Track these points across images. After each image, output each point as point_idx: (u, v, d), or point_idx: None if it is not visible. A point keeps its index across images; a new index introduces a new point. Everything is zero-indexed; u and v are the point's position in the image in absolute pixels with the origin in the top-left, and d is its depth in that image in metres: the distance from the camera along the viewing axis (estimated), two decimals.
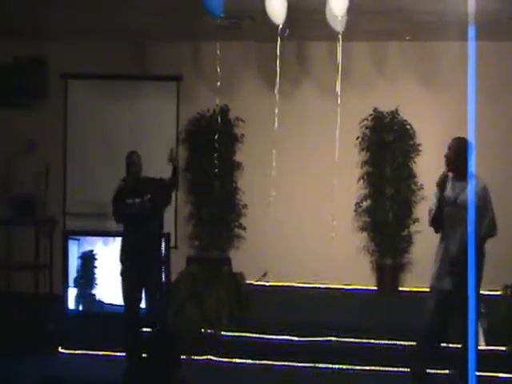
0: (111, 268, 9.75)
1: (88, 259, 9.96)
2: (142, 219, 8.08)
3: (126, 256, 8.29)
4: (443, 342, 7.10)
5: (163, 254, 8.65)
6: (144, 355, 8.03)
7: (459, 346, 7.06)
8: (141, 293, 8.27)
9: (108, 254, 9.82)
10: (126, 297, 8.29)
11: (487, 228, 6.79)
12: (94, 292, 9.93)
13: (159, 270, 8.43)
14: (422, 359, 7.10)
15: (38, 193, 10.95)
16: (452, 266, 6.79)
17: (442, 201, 6.85)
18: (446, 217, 6.86)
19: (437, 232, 7.03)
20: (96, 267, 9.94)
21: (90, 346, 9.22)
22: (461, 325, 6.82)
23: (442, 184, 6.86)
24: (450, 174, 6.90)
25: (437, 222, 6.96)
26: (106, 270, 9.81)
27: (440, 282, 6.93)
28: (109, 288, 9.82)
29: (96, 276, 9.90)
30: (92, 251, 9.99)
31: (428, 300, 7.02)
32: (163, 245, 8.61)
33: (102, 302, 9.79)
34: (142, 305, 8.35)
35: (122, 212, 8.18)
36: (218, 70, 9.48)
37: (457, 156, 6.81)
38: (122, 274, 8.31)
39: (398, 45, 10.72)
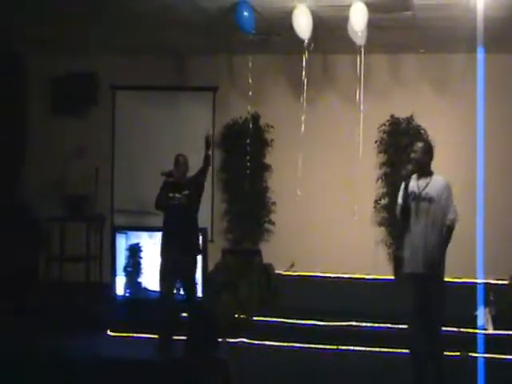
0: (155, 258, 9.80)
1: (134, 251, 10.00)
2: (180, 210, 8.29)
3: (165, 242, 8.40)
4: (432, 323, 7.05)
5: (199, 243, 8.69)
6: (185, 337, 8.13)
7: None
8: (176, 278, 8.38)
9: (152, 246, 9.84)
10: (161, 280, 8.37)
11: (451, 220, 7.00)
12: (139, 280, 9.96)
13: (194, 258, 8.48)
14: (416, 340, 7.07)
15: (88, 192, 10.99)
16: (415, 253, 6.99)
17: (407, 195, 7.06)
18: (411, 209, 7.06)
19: (405, 222, 7.15)
20: (142, 258, 9.98)
21: (136, 329, 9.26)
22: (431, 307, 6.91)
23: (408, 180, 7.10)
24: (415, 172, 7.16)
25: (404, 214, 7.14)
26: (150, 260, 9.84)
27: (410, 268, 7.06)
28: (153, 276, 9.85)
29: (142, 266, 9.94)
30: (138, 244, 10.02)
31: (407, 285, 7.12)
32: (199, 234, 8.67)
33: (147, 289, 9.82)
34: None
35: (162, 202, 8.41)
36: (250, 80, 9.46)
37: (422, 158, 7.13)
38: (161, 258, 8.41)
39: (414, 57, 10.64)
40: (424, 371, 7.00)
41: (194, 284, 8.59)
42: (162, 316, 8.32)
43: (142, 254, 9.98)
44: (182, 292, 8.54)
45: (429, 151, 7.20)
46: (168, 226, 8.43)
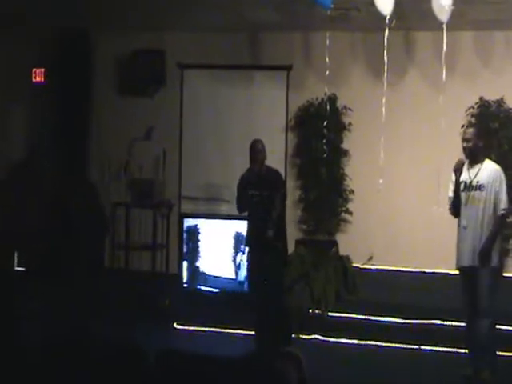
0: (225, 248, 9.91)
1: (203, 240, 10.09)
2: (261, 210, 8.09)
3: (248, 240, 8.42)
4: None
5: (282, 245, 8.34)
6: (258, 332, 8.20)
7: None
8: (262, 278, 8.24)
9: (225, 236, 9.93)
10: (248, 279, 8.43)
11: (502, 212, 7.15)
12: (209, 271, 10.05)
13: (280, 262, 8.28)
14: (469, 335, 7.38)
15: (155, 177, 11.15)
16: (468, 246, 7.19)
17: (458, 186, 7.21)
18: (463, 199, 7.22)
19: (456, 217, 7.36)
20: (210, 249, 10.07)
21: (204, 322, 9.39)
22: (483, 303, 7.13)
23: (459, 170, 7.23)
24: (466, 161, 7.28)
25: (455, 207, 7.31)
26: (221, 250, 9.93)
27: (464, 261, 7.26)
28: (225, 267, 9.95)
29: (212, 256, 10.02)
30: (208, 233, 10.10)
31: (460, 279, 7.39)
32: (283, 236, 8.34)
33: (217, 281, 9.92)
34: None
35: (243, 204, 8.26)
36: (327, 59, 9.46)
37: (474, 145, 7.20)
38: (247, 257, 8.45)
39: (504, 35, 10.48)
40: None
41: (279, 287, 8.44)
42: (256, 313, 8.35)
43: (213, 246, 10.06)
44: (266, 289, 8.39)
45: (482, 137, 7.21)
46: (251, 224, 8.32)
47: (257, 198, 8.11)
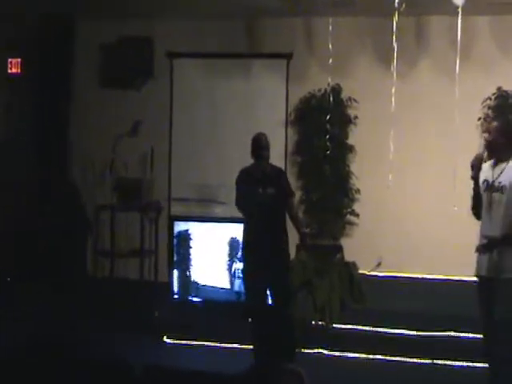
0: (222, 256, 9.84)
1: (196, 245, 10.04)
2: (265, 212, 7.97)
3: (247, 242, 8.24)
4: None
5: (287, 249, 8.27)
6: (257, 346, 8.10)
7: None
8: (264, 286, 8.15)
9: (219, 241, 9.87)
10: (246, 290, 8.30)
11: None
12: (202, 280, 10.00)
13: (283, 267, 8.17)
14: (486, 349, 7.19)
15: (142, 176, 11.06)
16: (489, 249, 6.95)
17: (477, 184, 7.03)
18: (484, 200, 7.01)
19: (479, 219, 7.18)
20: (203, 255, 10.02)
21: (196, 335, 9.32)
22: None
23: (476, 166, 7.02)
24: (487, 156, 7.05)
25: (474, 207, 7.14)
26: (216, 255, 9.88)
27: (483, 270, 7.04)
28: (218, 276, 9.90)
29: (205, 264, 9.98)
30: (201, 238, 10.04)
31: (477, 288, 7.21)
32: (287, 239, 8.25)
33: (211, 291, 9.87)
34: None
35: (244, 197, 8.10)
36: (330, 47, 9.41)
37: (497, 139, 6.96)
38: (245, 261, 8.30)
39: None
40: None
41: (284, 298, 8.27)
42: (252, 326, 8.21)
43: (205, 252, 10.01)
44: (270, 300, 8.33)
45: (505, 132, 7.02)
46: (250, 231, 8.15)
47: (261, 197, 7.97)
